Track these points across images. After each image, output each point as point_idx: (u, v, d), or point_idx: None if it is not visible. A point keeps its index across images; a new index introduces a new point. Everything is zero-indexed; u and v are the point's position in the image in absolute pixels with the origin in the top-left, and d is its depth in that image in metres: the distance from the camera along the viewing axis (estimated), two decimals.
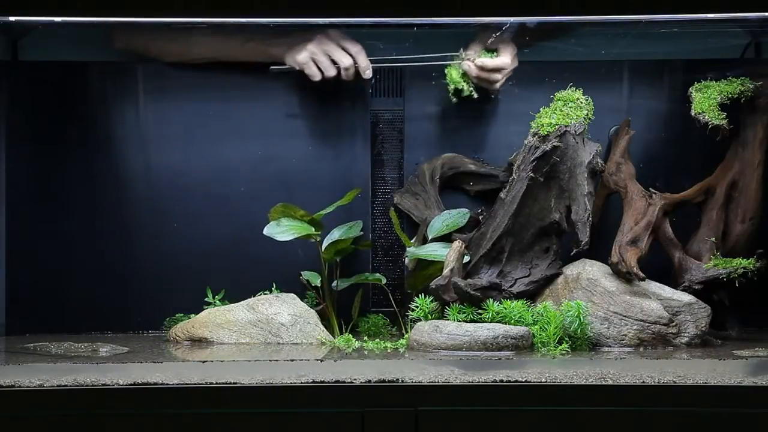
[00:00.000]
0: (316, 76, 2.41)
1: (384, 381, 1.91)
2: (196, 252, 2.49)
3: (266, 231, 2.34)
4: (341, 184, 2.46)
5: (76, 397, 1.88)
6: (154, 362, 2.01)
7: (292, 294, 2.37)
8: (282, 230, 2.34)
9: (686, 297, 2.23)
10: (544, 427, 1.90)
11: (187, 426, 1.89)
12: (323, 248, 2.37)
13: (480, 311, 2.20)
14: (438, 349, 2.12)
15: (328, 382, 1.91)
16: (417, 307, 2.24)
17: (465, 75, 2.43)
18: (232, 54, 2.46)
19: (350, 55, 2.41)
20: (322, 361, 2.01)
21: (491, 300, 2.20)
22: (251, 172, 2.50)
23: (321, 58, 2.41)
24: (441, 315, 2.23)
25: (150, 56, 2.50)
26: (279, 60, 2.44)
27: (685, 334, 2.20)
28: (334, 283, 2.40)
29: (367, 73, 2.42)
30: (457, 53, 2.44)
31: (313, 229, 2.34)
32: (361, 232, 2.45)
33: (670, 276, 2.32)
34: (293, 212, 2.36)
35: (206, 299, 2.43)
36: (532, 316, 2.18)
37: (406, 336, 2.23)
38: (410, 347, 2.17)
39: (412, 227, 2.46)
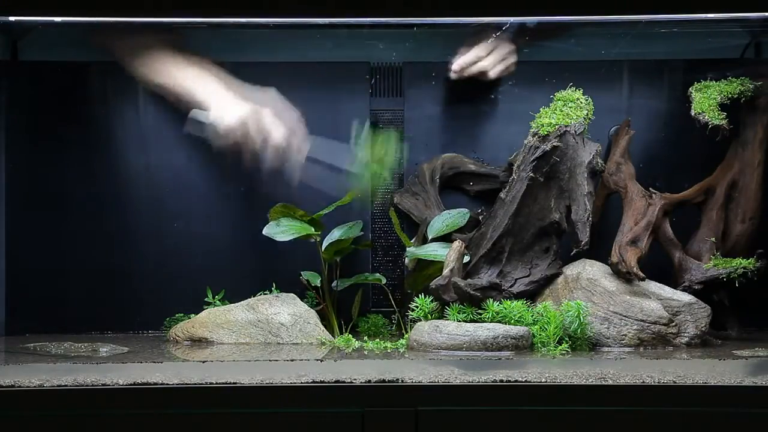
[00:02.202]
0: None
1: (384, 381, 1.91)
2: (196, 252, 2.49)
3: (266, 231, 2.34)
4: (341, 184, 2.46)
5: (76, 397, 1.88)
6: (154, 362, 2.01)
7: (292, 294, 2.37)
8: (281, 230, 2.34)
9: (686, 297, 2.23)
10: (544, 427, 1.90)
11: (187, 426, 1.89)
12: (323, 248, 2.37)
13: (480, 311, 2.20)
14: (438, 349, 2.12)
15: (328, 382, 1.91)
16: (417, 307, 2.24)
17: None
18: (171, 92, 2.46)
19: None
20: (322, 361, 2.01)
21: (491, 300, 2.20)
22: (251, 171, 2.49)
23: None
24: (441, 315, 2.23)
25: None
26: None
27: (685, 334, 2.20)
28: (334, 283, 2.40)
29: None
30: None
31: (313, 229, 2.34)
32: (361, 232, 2.45)
33: (670, 276, 2.32)
34: (293, 212, 2.37)
35: (206, 299, 2.44)
36: (532, 316, 2.18)
37: (406, 336, 2.23)
38: (410, 347, 2.17)
39: (412, 227, 2.46)
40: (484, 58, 2.43)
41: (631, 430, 1.90)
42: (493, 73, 2.44)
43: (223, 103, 2.38)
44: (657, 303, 2.20)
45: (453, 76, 2.45)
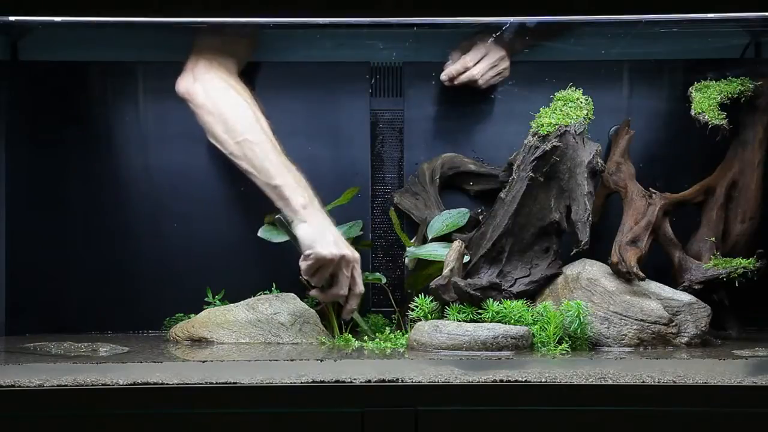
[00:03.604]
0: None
1: (384, 381, 1.91)
2: (196, 252, 2.49)
3: (261, 233, 2.35)
4: (341, 184, 2.46)
5: (76, 397, 1.88)
6: (154, 362, 2.01)
7: (292, 294, 2.37)
8: (277, 231, 2.34)
9: (686, 297, 2.23)
10: (544, 427, 1.90)
11: (187, 426, 1.89)
12: None
13: (480, 311, 2.20)
14: (438, 348, 2.12)
15: (328, 382, 1.91)
16: (417, 306, 2.24)
17: None
18: None
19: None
20: (322, 361, 2.01)
21: (491, 300, 2.20)
22: None
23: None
24: (441, 315, 2.23)
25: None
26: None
27: (685, 334, 2.20)
28: None
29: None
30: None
31: None
32: (361, 232, 2.45)
33: (670, 276, 2.32)
34: None
35: (206, 299, 2.43)
36: (532, 315, 2.18)
37: (405, 335, 2.23)
38: (410, 347, 2.17)
39: (412, 227, 2.46)
40: (473, 68, 2.43)
41: (631, 430, 1.90)
42: (482, 81, 2.44)
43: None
44: (657, 303, 2.20)
45: (446, 84, 2.45)
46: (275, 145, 2.34)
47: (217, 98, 2.36)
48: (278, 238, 2.34)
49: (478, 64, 2.43)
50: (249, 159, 2.32)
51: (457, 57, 2.45)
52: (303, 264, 2.30)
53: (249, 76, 2.47)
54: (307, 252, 2.29)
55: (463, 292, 2.20)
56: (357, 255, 2.33)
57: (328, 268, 2.30)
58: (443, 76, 2.45)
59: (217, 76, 2.38)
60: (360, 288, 2.34)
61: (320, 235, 2.29)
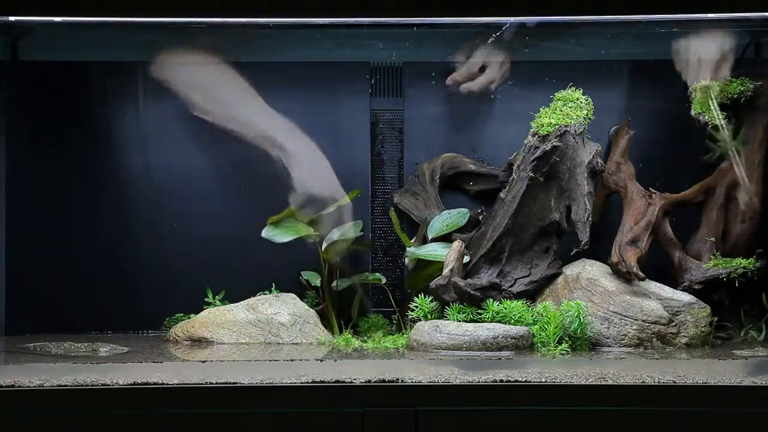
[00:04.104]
0: None
1: (384, 381, 1.91)
2: (196, 252, 2.49)
3: (264, 233, 2.35)
4: (341, 184, 2.46)
5: (76, 397, 1.88)
6: (154, 362, 2.01)
7: (292, 294, 2.37)
8: (280, 231, 2.35)
9: (686, 297, 2.23)
10: (544, 427, 1.90)
11: (187, 426, 1.89)
12: (323, 248, 2.37)
13: (480, 311, 2.20)
14: (438, 348, 2.12)
15: (328, 382, 1.91)
16: (417, 306, 2.24)
17: None
18: None
19: None
20: (322, 361, 2.01)
21: (491, 300, 2.20)
22: (251, 171, 2.50)
23: None
24: (441, 315, 2.23)
25: None
26: None
27: (685, 334, 2.20)
28: (334, 283, 2.40)
29: None
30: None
31: (311, 230, 2.35)
32: (361, 232, 2.45)
33: (670, 276, 2.32)
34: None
35: (206, 299, 2.43)
36: (532, 316, 2.18)
37: (405, 335, 2.23)
38: (410, 347, 2.17)
39: (412, 227, 2.46)
40: (479, 76, 2.44)
41: (631, 430, 1.90)
42: (492, 88, 2.45)
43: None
44: (657, 303, 2.20)
45: (457, 87, 2.46)
46: (259, 99, 2.39)
47: (192, 72, 2.41)
48: (281, 238, 2.34)
49: (483, 73, 2.44)
50: (236, 118, 2.39)
51: (458, 62, 2.46)
52: (292, 199, 2.35)
53: (249, 76, 2.47)
54: (298, 187, 2.34)
55: (463, 292, 2.20)
56: (350, 203, 2.38)
57: (315, 208, 2.34)
58: (449, 81, 2.45)
59: (188, 56, 2.42)
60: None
61: (315, 175, 2.35)
